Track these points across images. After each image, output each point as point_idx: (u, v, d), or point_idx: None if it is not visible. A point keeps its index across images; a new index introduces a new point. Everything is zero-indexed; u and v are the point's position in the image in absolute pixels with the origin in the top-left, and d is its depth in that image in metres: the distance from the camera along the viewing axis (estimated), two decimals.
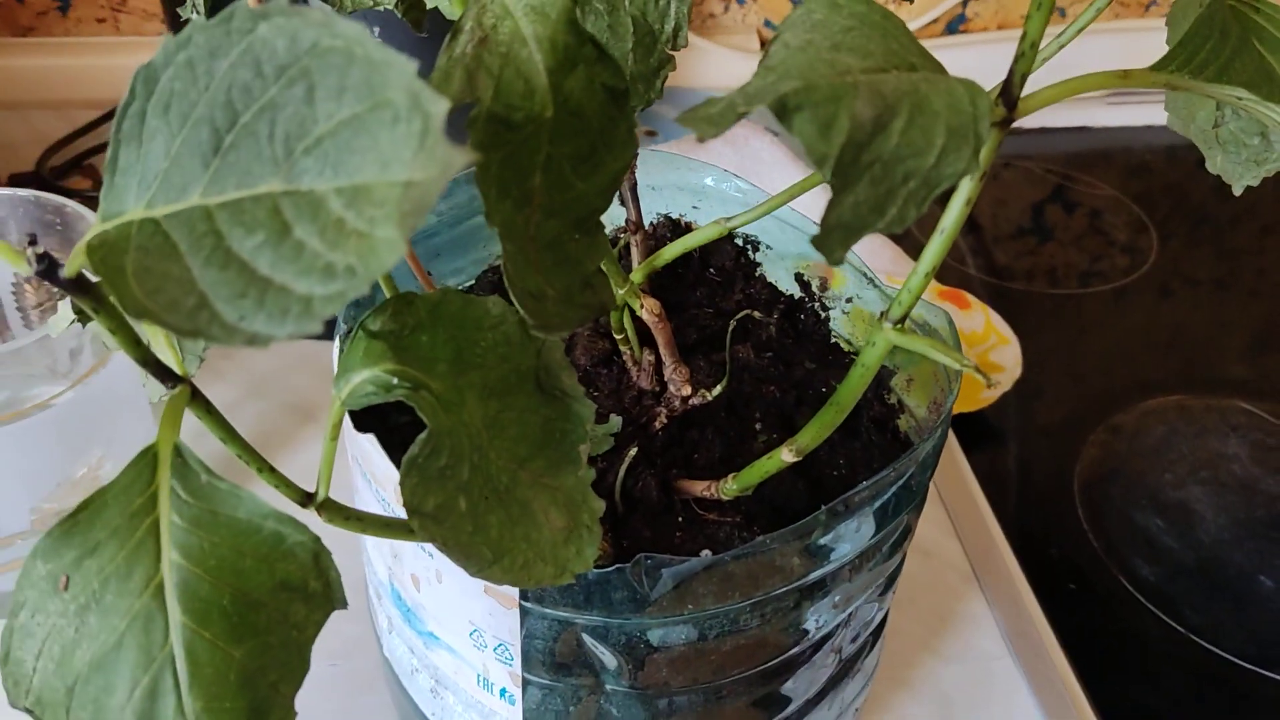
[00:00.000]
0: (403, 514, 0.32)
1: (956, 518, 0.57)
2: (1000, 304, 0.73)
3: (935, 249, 0.26)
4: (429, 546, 0.32)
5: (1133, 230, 0.82)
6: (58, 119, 0.78)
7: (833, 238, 0.20)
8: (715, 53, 0.86)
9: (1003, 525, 0.56)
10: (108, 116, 0.78)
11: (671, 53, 0.30)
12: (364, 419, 0.34)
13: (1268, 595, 0.55)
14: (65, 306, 0.31)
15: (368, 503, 0.34)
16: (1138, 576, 0.55)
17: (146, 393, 0.51)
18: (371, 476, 0.33)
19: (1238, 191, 0.33)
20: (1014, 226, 0.83)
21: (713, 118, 0.20)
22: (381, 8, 0.30)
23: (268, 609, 0.20)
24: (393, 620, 0.37)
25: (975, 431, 0.62)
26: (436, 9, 0.30)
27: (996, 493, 0.58)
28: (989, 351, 0.64)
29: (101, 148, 0.76)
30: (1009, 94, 0.24)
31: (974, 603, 0.52)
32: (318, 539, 0.21)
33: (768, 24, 0.90)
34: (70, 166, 0.75)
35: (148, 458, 0.21)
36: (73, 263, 0.20)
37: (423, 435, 0.23)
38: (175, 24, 0.61)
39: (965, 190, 0.25)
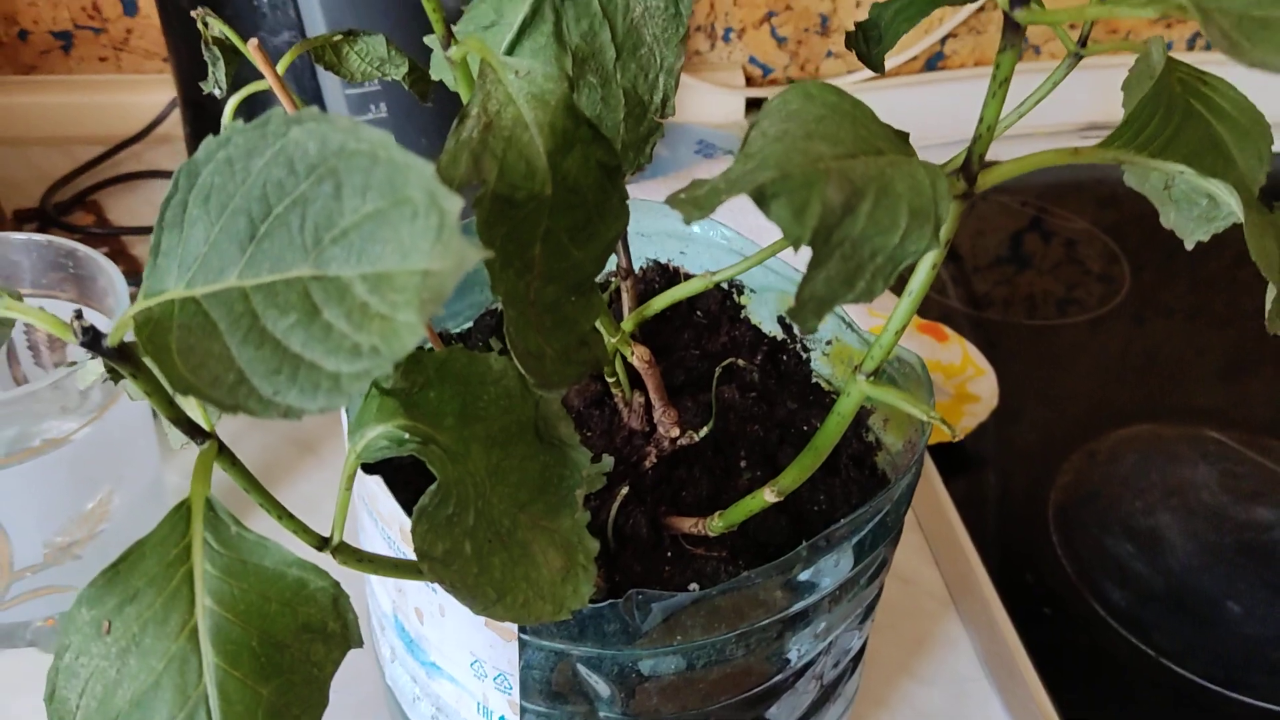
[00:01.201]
0: (408, 551, 0.34)
1: (935, 545, 0.59)
2: (978, 334, 0.76)
3: (904, 310, 0.28)
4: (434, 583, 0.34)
5: (1105, 261, 0.85)
6: (61, 156, 0.80)
7: (806, 309, 0.23)
8: (701, 89, 0.89)
9: (980, 551, 0.58)
10: (110, 153, 0.80)
11: (660, 121, 0.32)
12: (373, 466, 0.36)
13: (1235, 620, 0.57)
14: (94, 361, 0.33)
15: (373, 539, 0.36)
16: (1109, 601, 0.58)
17: (157, 431, 0.53)
18: (378, 515, 0.35)
19: (1189, 246, 0.36)
20: (991, 257, 0.85)
21: (698, 201, 0.22)
22: (389, 79, 0.32)
23: (291, 650, 0.22)
24: (395, 650, 0.39)
25: (953, 460, 0.65)
26: (441, 82, 0.32)
27: (974, 520, 0.60)
28: (966, 383, 0.66)
29: (104, 184, 0.78)
30: (969, 170, 0.26)
31: (951, 627, 0.55)
32: (337, 584, 0.23)
33: (752, 60, 0.92)
34: (74, 203, 0.77)
35: (182, 511, 0.23)
36: (115, 334, 0.22)
37: (432, 487, 0.25)
38: (179, 65, 0.63)
39: (931, 257, 0.27)
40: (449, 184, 0.24)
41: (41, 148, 0.80)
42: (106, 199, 0.78)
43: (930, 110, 0.93)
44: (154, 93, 0.81)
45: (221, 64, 0.30)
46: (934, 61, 0.94)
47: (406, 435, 0.25)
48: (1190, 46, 0.98)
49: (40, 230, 0.74)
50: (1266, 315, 0.29)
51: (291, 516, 0.26)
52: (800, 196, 0.22)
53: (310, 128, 0.20)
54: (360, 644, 0.24)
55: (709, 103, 0.89)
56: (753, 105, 0.91)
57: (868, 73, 0.92)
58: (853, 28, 0.34)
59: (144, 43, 0.83)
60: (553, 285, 0.27)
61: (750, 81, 0.92)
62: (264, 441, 0.61)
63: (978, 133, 0.26)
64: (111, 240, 0.74)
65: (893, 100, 0.91)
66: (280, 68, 0.29)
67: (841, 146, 0.23)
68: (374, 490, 0.34)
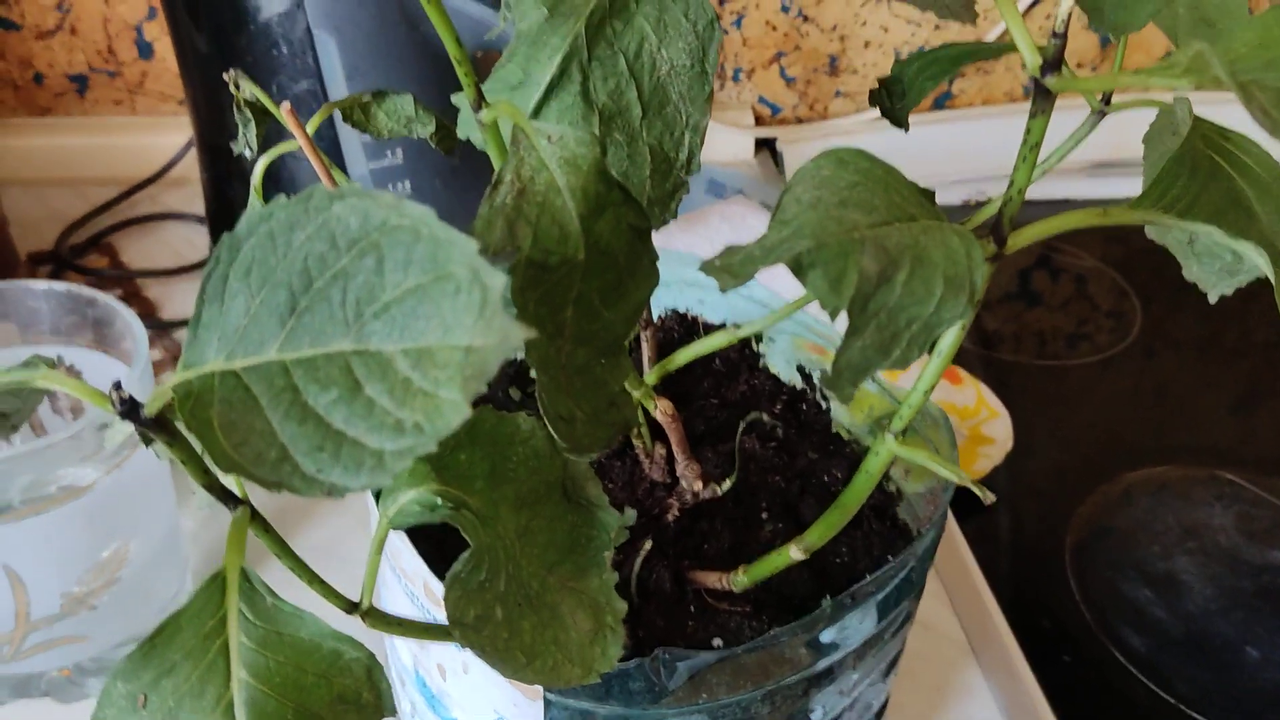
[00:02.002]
0: (431, 607, 0.34)
1: (952, 591, 0.59)
2: (988, 373, 0.76)
3: (933, 369, 0.28)
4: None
5: (1115, 298, 0.85)
6: (75, 198, 0.80)
7: (842, 378, 0.23)
8: (711, 129, 0.89)
9: (997, 596, 0.57)
10: (125, 196, 0.80)
11: (685, 176, 0.33)
12: None
13: (1254, 665, 0.57)
14: (116, 424, 0.33)
15: (395, 595, 0.36)
16: (1128, 647, 0.57)
17: (174, 479, 0.53)
18: (401, 572, 0.35)
19: (1212, 300, 0.36)
20: (1000, 294, 0.85)
21: (733, 269, 0.23)
22: (415, 136, 0.33)
23: None
24: (416, 706, 0.39)
25: (968, 504, 0.64)
26: (468, 140, 0.32)
27: (990, 564, 0.60)
28: (980, 425, 0.66)
29: (119, 226, 0.78)
30: (999, 233, 0.26)
31: (971, 675, 0.54)
32: (371, 655, 0.23)
33: (762, 100, 0.93)
34: (88, 245, 0.77)
35: (217, 582, 0.22)
36: (152, 405, 0.22)
37: (466, 554, 0.25)
38: (197, 109, 0.63)
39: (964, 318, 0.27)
40: (484, 251, 0.24)
41: (56, 190, 0.81)
42: (121, 241, 0.78)
43: (938, 149, 0.93)
44: (168, 135, 0.82)
45: (253, 125, 0.30)
46: (942, 100, 0.95)
47: (439, 500, 0.25)
48: None
49: (55, 272, 0.75)
50: None
51: (322, 581, 0.26)
52: (837, 266, 0.22)
53: (352, 203, 0.20)
54: (394, 713, 0.24)
55: (719, 142, 0.90)
56: (762, 145, 0.91)
57: (875, 112, 0.93)
58: (861, 68, 0.34)
59: (159, 86, 0.84)
60: (583, 348, 0.27)
61: (759, 121, 0.93)
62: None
63: (1008, 195, 0.26)
64: (126, 283, 0.74)
65: (901, 139, 0.91)
66: (310, 128, 0.30)
67: (875, 214, 0.23)
68: (398, 546, 0.34)
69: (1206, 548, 0.63)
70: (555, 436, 0.25)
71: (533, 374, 0.25)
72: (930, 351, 0.28)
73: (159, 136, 0.82)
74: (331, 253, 0.20)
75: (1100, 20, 0.27)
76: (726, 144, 0.90)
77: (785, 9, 0.88)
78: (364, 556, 0.49)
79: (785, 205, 0.24)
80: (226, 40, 0.56)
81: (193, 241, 0.79)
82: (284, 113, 0.28)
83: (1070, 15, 0.23)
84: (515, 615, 0.27)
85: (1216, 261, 0.35)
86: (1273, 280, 0.27)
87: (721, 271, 0.22)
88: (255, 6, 0.54)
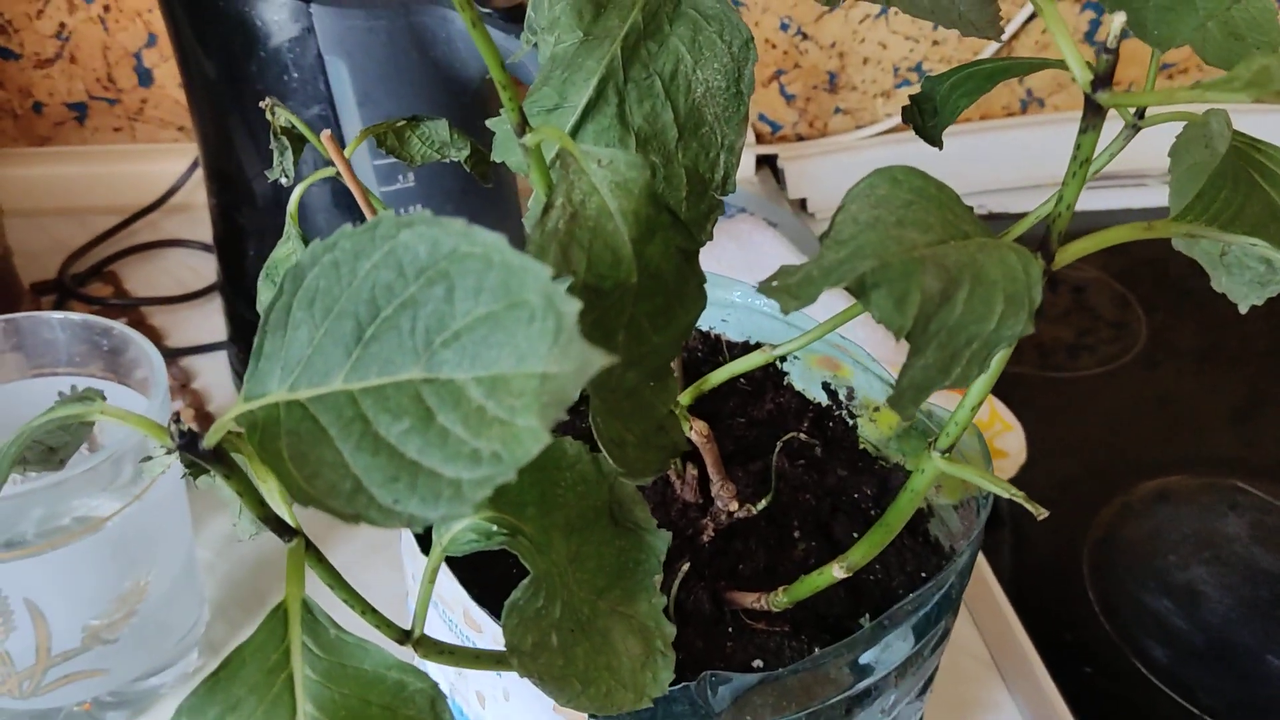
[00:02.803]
0: (470, 634, 0.33)
1: (974, 606, 0.58)
2: (996, 387, 0.76)
3: (980, 386, 0.28)
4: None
5: (1119, 309, 0.85)
6: (77, 227, 0.80)
7: (905, 397, 0.23)
8: None
9: (1017, 611, 0.57)
10: (126, 223, 0.80)
11: (720, 197, 0.33)
12: (427, 542, 0.35)
13: (1276, 674, 0.57)
14: (158, 457, 0.33)
15: (433, 622, 0.36)
16: (1150, 658, 0.57)
17: (190, 510, 0.53)
18: (440, 599, 0.34)
19: (1243, 310, 0.36)
20: None
21: (793, 290, 0.22)
22: (449, 160, 0.32)
23: None
24: None
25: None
26: (471, 155, 0.32)
27: (1009, 580, 0.60)
28: (994, 438, 0.66)
29: (122, 254, 0.78)
30: (1047, 249, 0.26)
31: (995, 690, 0.54)
32: (435, 685, 0.23)
33: (761, 118, 0.93)
34: (91, 273, 0.77)
35: (279, 615, 0.22)
36: (212, 437, 0.22)
37: (525, 581, 0.24)
38: (205, 136, 0.63)
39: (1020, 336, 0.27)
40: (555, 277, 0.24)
41: (58, 219, 0.80)
42: (124, 269, 0.78)
43: (937, 164, 0.94)
44: (169, 162, 0.81)
45: (289, 152, 0.30)
46: None
47: (494, 528, 0.25)
48: None
49: (59, 302, 0.74)
50: None
51: (375, 611, 0.26)
52: (900, 286, 0.22)
53: (420, 231, 0.20)
54: None
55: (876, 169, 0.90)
56: (763, 162, 0.91)
57: (875, 128, 0.93)
58: (860, 85, 0.34)
59: (158, 113, 0.84)
60: (632, 371, 0.27)
61: (760, 139, 0.93)
62: (259, 542, 0.60)
63: (1057, 211, 0.26)
64: (131, 311, 0.74)
65: (900, 156, 0.92)
66: (347, 153, 0.29)
67: (932, 233, 0.23)
68: (438, 574, 0.34)
69: (1223, 557, 0.63)
70: (610, 461, 0.25)
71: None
72: None
73: (160, 164, 0.82)
74: (399, 281, 0.20)
75: (1144, 33, 0.27)
76: None
77: (784, 27, 0.88)
78: (383, 580, 0.48)
79: (841, 225, 0.24)
80: (236, 66, 0.56)
81: (195, 268, 0.78)
82: (324, 140, 0.28)
83: (1120, 32, 0.23)
84: (569, 642, 0.26)
85: (1247, 273, 0.35)
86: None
87: (782, 293, 0.22)
88: (266, 33, 0.54)
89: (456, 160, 0.32)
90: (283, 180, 0.30)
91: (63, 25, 0.79)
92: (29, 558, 0.45)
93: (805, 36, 0.89)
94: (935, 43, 0.91)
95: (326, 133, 0.28)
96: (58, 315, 0.49)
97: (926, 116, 0.33)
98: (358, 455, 0.19)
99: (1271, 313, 0.82)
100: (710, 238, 0.33)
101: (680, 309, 0.27)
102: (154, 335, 0.72)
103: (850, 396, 0.44)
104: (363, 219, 0.60)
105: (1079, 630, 0.59)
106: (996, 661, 0.56)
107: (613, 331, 0.25)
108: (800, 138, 0.94)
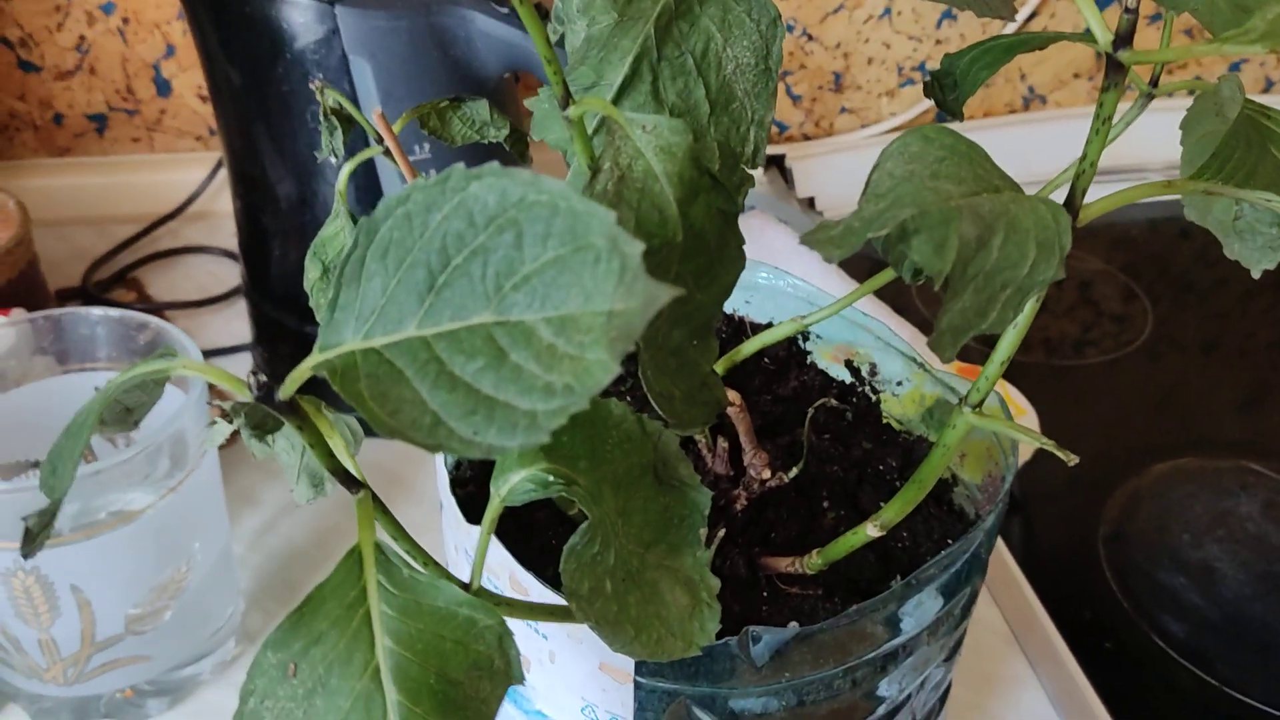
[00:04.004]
0: (516, 599, 0.34)
1: (994, 585, 0.59)
2: (1010, 376, 0.77)
3: (1009, 341, 0.29)
4: (543, 628, 0.34)
5: (1125, 299, 0.87)
6: (98, 235, 0.81)
7: (944, 339, 0.24)
8: None
9: (1036, 590, 0.58)
10: (147, 231, 0.81)
11: (751, 170, 0.34)
12: (472, 510, 0.37)
13: None
14: (221, 423, 0.34)
15: None
16: (1168, 633, 0.58)
17: (227, 501, 0.54)
18: (486, 566, 0.36)
19: (1256, 275, 0.37)
20: None
21: (835, 240, 0.24)
22: (488, 140, 0.34)
23: (464, 686, 0.23)
24: None
25: None
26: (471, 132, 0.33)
27: (1027, 559, 0.61)
28: None
29: (143, 261, 0.79)
30: (1072, 205, 0.27)
31: (1018, 665, 0.55)
32: (503, 621, 0.24)
33: None
34: (114, 280, 0.78)
35: (354, 556, 0.23)
36: (287, 388, 0.23)
37: (583, 525, 0.26)
38: (230, 140, 0.65)
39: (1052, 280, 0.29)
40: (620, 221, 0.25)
41: (79, 228, 0.82)
42: (146, 275, 0.79)
43: None
44: (188, 170, 0.83)
45: (339, 132, 0.31)
46: (943, 115, 0.96)
47: (551, 478, 0.26)
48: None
49: (84, 301, 0.76)
50: None
51: (435, 563, 0.27)
52: (940, 232, 0.23)
53: (490, 182, 0.21)
54: (522, 679, 0.24)
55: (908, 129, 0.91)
56: (770, 163, 0.93)
57: (879, 127, 0.95)
58: (865, 84, 0.35)
59: (177, 123, 0.85)
60: (678, 329, 0.28)
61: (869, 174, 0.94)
62: (290, 534, 0.61)
63: (1081, 168, 0.27)
64: (155, 315, 0.75)
65: None
66: (397, 128, 0.31)
67: (965, 185, 0.25)
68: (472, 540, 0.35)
69: (1236, 535, 0.64)
70: (660, 411, 0.26)
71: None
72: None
73: (179, 172, 0.83)
74: (469, 230, 0.21)
75: None
76: None
77: (790, 28, 0.90)
78: (435, 548, 0.49)
79: (877, 180, 0.25)
80: (261, 70, 0.57)
81: (216, 273, 0.80)
82: (375, 118, 0.29)
83: None
84: (622, 590, 0.28)
85: (1259, 238, 0.37)
86: None
87: (825, 243, 0.23)
88: (291, 35, 0.55)
89: (497, 140, 0.33)
90: (332, 159, 0.32)
91: (82, 38, 0.80)
92: (74, 544, 0.46)
93: (810, 38, 0.91)
94: (938, 42, 0.92)
95: (377, 110, 0.30)
96: (96, 311, 0.50)
97: (947, 91, 0.34)
98: (435, 393, 0.20)
99: (1275, 304, 0.83)
100: (742, 209, 0.34)
101: (721, 268, 0.28)
102: None
103: (873, 373, 0.45)
104: (377, 186, 0.60)
105: (1097, 608, 0.60)
106: (1018, 638, 0.57)
107: None
108: (807, 137, 0.96)
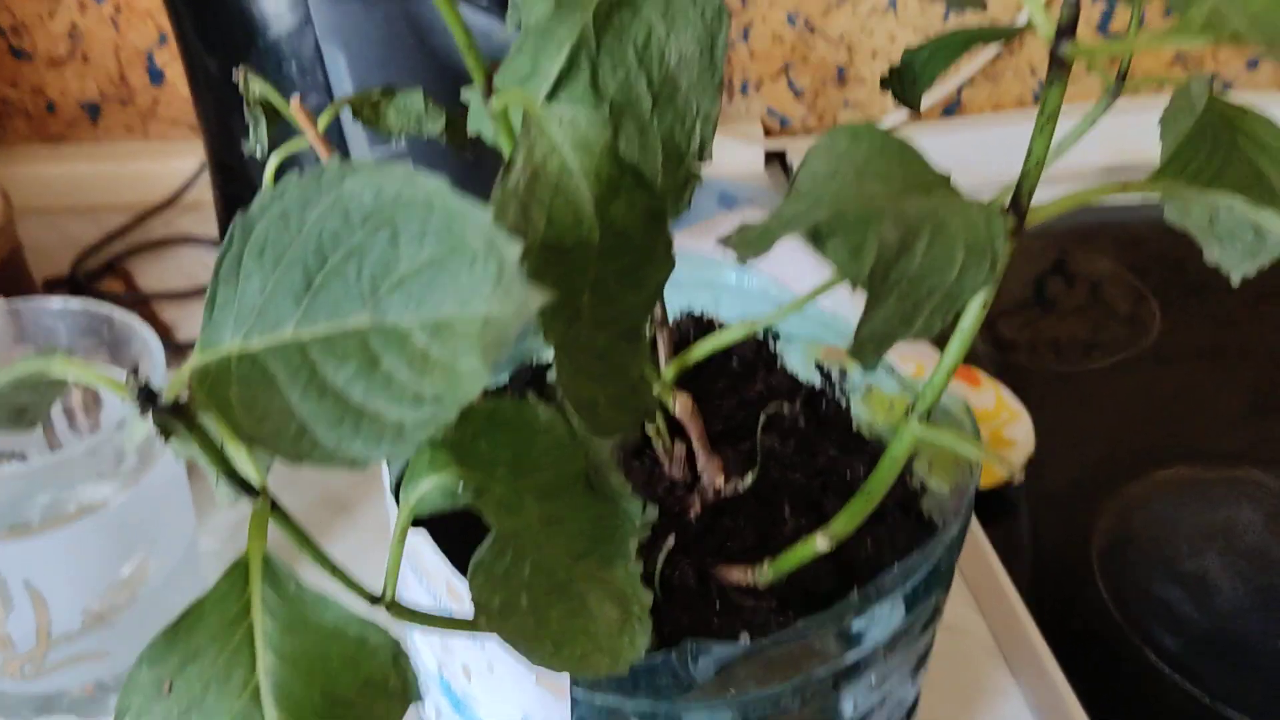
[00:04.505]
0: (454, 608, 0.33)
1: (978, 593, 0.58)
2: (1005, 379, 0.75)
3: (956, 349, 0.28)
4: (482, 638, 0.33)
5: (1133, 302, 0.85)
6: (89, 224, 0.80)
7: (866, 347, 0.22)
8: (721, 142, 0.89)
9: (1025, 600, 0.57)
10: (138, 220, 0.80)
11: (698, 166, 0.32)
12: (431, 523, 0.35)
13: None
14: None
15: (416, 595, 0.36)
16: (1160, 646, 0.56)
17: (193, 496, 0.53)
18: (422, 570, 0.35)
19: (1235, 282, 0.35)
20: (1016, 300, 0.85)
21: (752, 241, 0.22)
22: (426, 135, 0.33)
23: (354, 706, 0.22)
24: (441, 710, 0.39)
25: (992, 507, 0.64)
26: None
27: (1016, 567, 0.59)
28: (1002, 427, 0.66)
29: (133, 251, 0.79)
30: (1018, 206, 0.26)
31: (1000, 676, 0.53)
32: (396, 642, 0.23)
33: (770, 112, 0.93)
34: (103, 270, 0.77)
35: (240, 568, 0.22)
36: (170, 391, 0.22)
37: (489, 538, 0.24)
38: (209, 130, 0.64)
39: (982, 295, 0.27)
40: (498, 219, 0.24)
41: (70, 216, 0.81)
42: (135, 265, 0.79)
43: (948, 156, 0.93)
44: (181, 160, 0.82)
45: (263, 123, 0.30)
46: (951, 108, 0.95)
47: (461, 486, 0.25)
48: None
49: (71, 292, 0.75)
50: None
51: (342, 572, 0.26)
52: (857, 234, 0.22)
53: (365, 177, 0.20)
54: (420, 698, 0.23)
55: (729, 155, 0.90)
56: (772, 157, 0.91)
57: (884, 122, 0.93)
58: (869, 78, 0.34)
59: (170, 111, 0.84)
60: (603, 332, 0.27)
61: (769, 132, 0.93)
62: (298, 503, 0.60)
63: (1026, 167, 0.26)
64: (141, 306, 0.74)
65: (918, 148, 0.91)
66: (320, 126, 0.30)
67: (893, 185, 0.23)
68: (419, 545, 0.34)
69: (1235, 546, 0.62)
70: (578, 420, 0.25)
71: (550, 375, 0.25)
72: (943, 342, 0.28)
73: (171, 162, 0.82)
74: (345, 229, 0.20)
75: None
76: (736, 156, 0.90)
77: (792, 21, 0.88)
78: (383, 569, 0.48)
79: (801, 179, 0.24)
80: (237, 59, 0.56)
81: (207, 264, 0.79)
82: (293, 108, 0.28)
83: None
84: (542, 603, 0.26)
85: (1238, 242, 0.35)
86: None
87: (740, 243, 0.22)
88: (264, 23, 0.54)
89: (433, 133, 0.32)
90: (258, 152, 0.31)
91: (74, 25, 0.80)
92: (27, 540, 0.45)
93: (813, 30, 0.89)
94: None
95: (295, 99, 0.28)
96: (58, 301, 0.50)
97: (907, 85, 0.33)
98: (304, 401, 0.19)
99: None
100: (688, 206, 0.33)
101: (650, 269, 0.27)
102: (165, 329, 0.73)
103: (844, 377, 0.44)
104: None
105: (1088, 618, 0.58)
106: (1002, 647, 0.55)
107: (577, 290, 0.25)
108: (809, 132, 0.94)
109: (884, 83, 0.33)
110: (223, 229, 0.66)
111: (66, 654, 0.48)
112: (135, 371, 0.22)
